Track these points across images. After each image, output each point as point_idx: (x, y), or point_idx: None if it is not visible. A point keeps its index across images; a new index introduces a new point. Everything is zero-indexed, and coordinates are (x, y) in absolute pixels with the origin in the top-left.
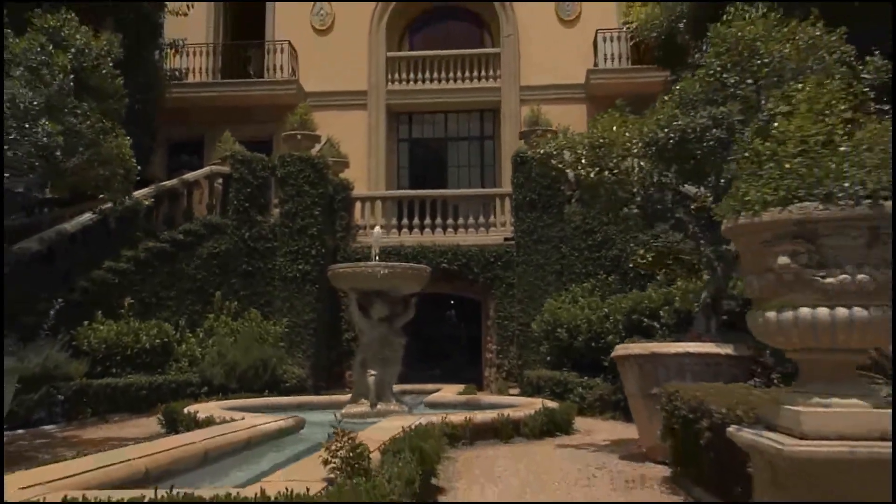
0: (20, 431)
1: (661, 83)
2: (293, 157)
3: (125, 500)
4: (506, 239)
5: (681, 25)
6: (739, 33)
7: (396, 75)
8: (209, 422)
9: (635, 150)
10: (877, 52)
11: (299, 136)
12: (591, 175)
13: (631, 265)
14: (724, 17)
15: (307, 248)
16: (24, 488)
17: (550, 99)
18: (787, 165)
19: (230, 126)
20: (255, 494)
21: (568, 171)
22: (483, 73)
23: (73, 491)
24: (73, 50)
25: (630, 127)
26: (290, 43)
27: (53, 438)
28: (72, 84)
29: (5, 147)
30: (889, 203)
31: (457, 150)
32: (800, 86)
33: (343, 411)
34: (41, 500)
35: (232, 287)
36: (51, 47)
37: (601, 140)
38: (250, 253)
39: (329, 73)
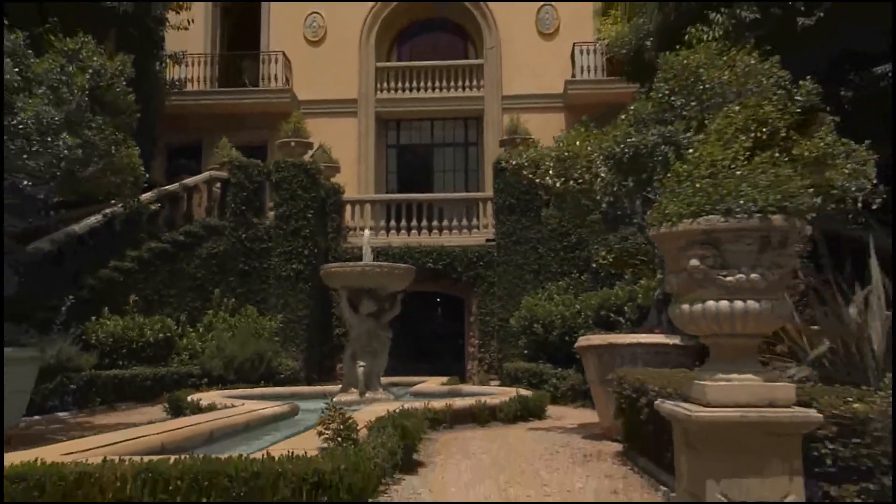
0: (36, 417)
1: (632, 94)
2: (287, 163)
3: (154, 460)
4: (487, 240)
5: (648, 43)
6: (685, 61)
7: (385, 84)
8: (211, 408)
9: (597, 163)
10: (808, 77)
11: (293, 143)
12: (558, 185)
13: (593, 265)
14: (686, 36)
15: (300, 249)
16: (64, 454)
17: (531, 108)
18: (698, 185)
19: (226, 132)
20: (262, 455)
21: (537, 180)
22: (467, 82)
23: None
24: (90, 70)
25: (592, 141)
26: (284, 54)
27: (67, 424)
28: (86, 100)
29: (28, 158)
30: (777, 216)
31: (442, 156)
32: (724, 111)
33: (334, 399)
34: (84, 460)
35: (230, 285)
36: (70, 68)
37: (566, 153)
38: (247, 253)
39: (321, 83)
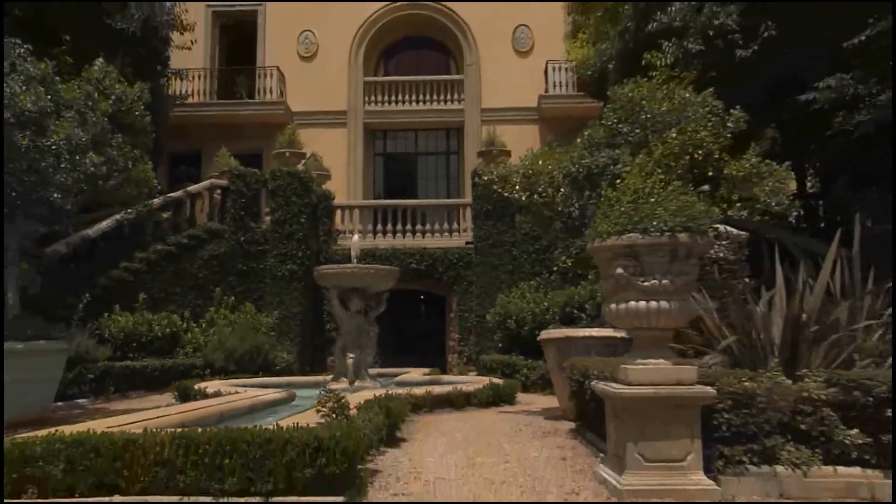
0: (59, 403)
1: (599, 109)
2: (283, 171)
3: (185, 430)
4: (467, 243)
5: (610, 66)
6: (630, 94)
7: (373, 97)
8: (217, 395)
9: (558, 179)
10: (737, 107)
11: (288, 154)
12: (524, 198)
13: (555, 268)
14: (643, 62)
15: (294, 251)
16: (108, 427)
17: (507, 120)
18: (623, 209)
19: (224, 141)
20: (272, 426)
21: (506, 194)
22: (448, 96)
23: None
24: (113, 97)
25: (553, 160)
26: (278, 68)
27: (87, 409)
28: (106, 121)
29: (59, 174)
30: (683, 234)
31: (425, 164)
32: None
33: (326, 387)
34: (126, 430)
35: (229, 284)
36: (95, 94)
37: (531, 171)
38: (245, 255)
39: (313, 95)
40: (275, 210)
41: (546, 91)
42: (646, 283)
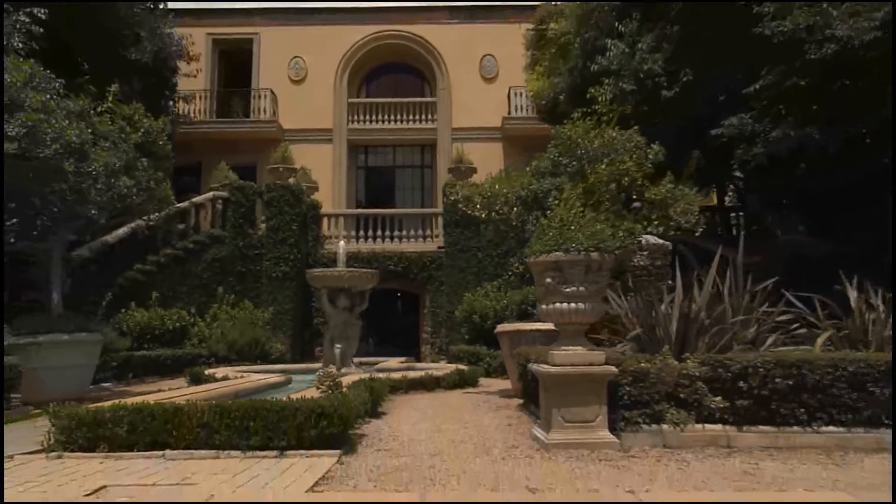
0: (90, 387)
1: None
2: (277, 185)
3: (214, 402)
4: (438, 247)
5: (561, 97)
6: (568, 133)
7: (356, 117)
8: (225, 378)
9: (511, 201)
10: (656, 142)
11: (281, 169)
12: (483, 216)
13: (510, 273)
14: (587, 95)
15: (287, 254)
16: (157, 400)
17: (475, 138)
18: (551, 234)
19: (222, 155)
20: (285, 398)
21: (469, 212)
22: (423, 116)
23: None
24: (141, 130)
25: (508, 185)
26: (271, 90)
27: (113, 391)
28: (134, 149)
29: (97, 195)
30: (594, 253)
31: (402, 177)
32: (602, 165)
33: (318, 373)
34: (172, 402)
35: (230, 284)
36: (127, 128)
37: (489, 193)
38: (243, 258)
39: (302, 115)
40: (269, 218)
41: (509, 113)
42: (567, 290)
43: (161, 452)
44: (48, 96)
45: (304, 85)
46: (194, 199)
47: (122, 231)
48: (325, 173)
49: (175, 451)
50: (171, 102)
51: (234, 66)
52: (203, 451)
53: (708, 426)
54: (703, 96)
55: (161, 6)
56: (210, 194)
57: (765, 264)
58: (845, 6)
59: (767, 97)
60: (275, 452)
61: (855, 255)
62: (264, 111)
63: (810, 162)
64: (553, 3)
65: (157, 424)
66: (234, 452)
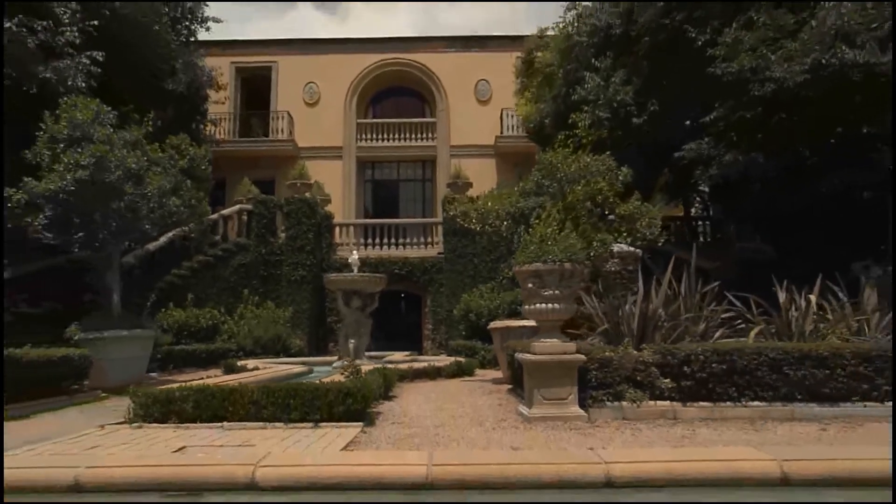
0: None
1: (539, 151)
2: (295, 198)
3: (262, 385)
4: (438, 253)
5: (546, 121)
6: (550, 158)
7: (363, 135)
8: (255, 369)
9: (502, 216)
10: (625, 165)
11: (298, 184)
12: (478, 228)
13: (501, 278)
14: (569, 120)
15: (304, 260)
16: (215, 383)
17: (471, 155)
18: (533, 247)
19: (245, 171)
20: (318, 381)
21: (466, 225)
22: (424, 135)
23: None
24: (187, 157)
25: (498, 202)
26: (288, 112)
27: (159, 380)
28: (181, 174)
29: (152, 213)
30: (567, 263)
31: (406, 190)
32: (578, 187)
33: (333, 365)
34: (227, 384)
35: (254, 286)
36: (175, 155)
37: (483, 210)
38: (266, 263)
39: (315, 134)
40: (289, 228)
41: (501, 133)
42: (545, 293)
43: (220, 424)
44: (111, 129)
45: (317, 107)
46: (223, 212)
47: (161, 240)
48: (336, 187)
49: (231, 423)
50: (201, 126)
51: (255, 90)
52: (253, 423)
53: (659, 402)
54: (668, 124)
55: (192, 39)
56: (236, 207)
57: (723, 269)
58: (781, 52)
59: (720, 127)
60: (310, 424)
61: (797, 262)
62: (281, 131)
63: (760, 183)
64: (539, 36)
65: (217, 402)
66: (277, 424)
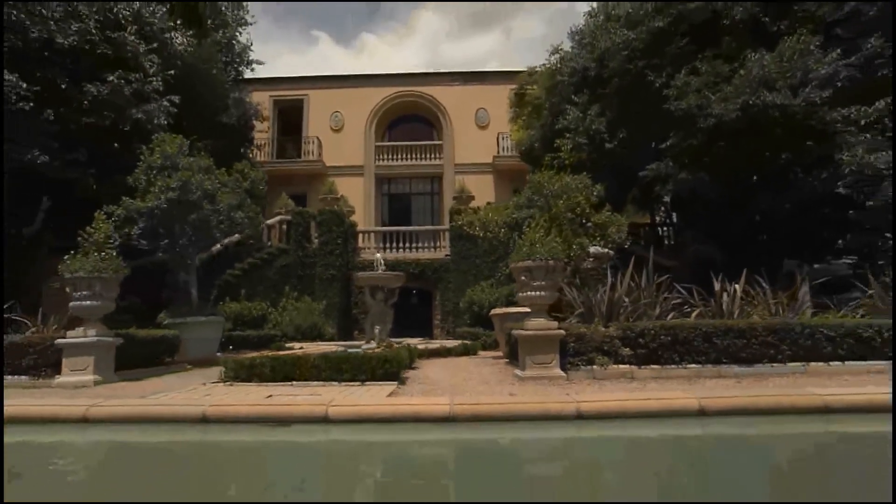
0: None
1: (529, 170)
2: (326, 210)
3: (321, 353)
4: (446, 255)
5: (536, 144)
6: (538, 179)
7: (381, 156)
8: (301, 349)
9: (500, 224)
10: (599, 183)
11: (329, 198)
12: (481, 234)
13: (500, 274)
14: (555, 143)
15: (334, 262)
16: (285, 353)
17: (472, 172)
18: (525, 248)
19: (281, 186)
20: (362, 352)
21: (471, 232)
22: (432, 155)
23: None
24: (249, 179)
25: (497, 213)
26: (317, 137)
27: (224, 357)
28: (244, 192)
29: (222, 225)
30: (551, 260)
31: (417, 202)
32: (560, 201)
33: (363, 347)
34: (293, 353)
35: (293, 284)
36: (240, 178)
37: (485, 220)
38: (302, 265)
39: (340, 155)
40: (321, 235)
41: (498, 153)
42: (535, 284)
43: (290, 382)
44: (192, 158)
45: (341, 133)
46: (267, 222)
47: (218, 246)
48: (358, 200)
49: (299, 382)
50: (248, 151)
51: (289, 119)
52: (315, 382)
53: (620, 366)
54: (635, 148)
55: (240, 78)
56: (277, 218)
57: (681, 267)
58: (719, 94)
59: (675, 151)
60: (358, 383)
61: (740, 261)
62: (312, 153)
63: (707, 198)
64: (529, 74)
65: (288, 366)
66: (333, 383)
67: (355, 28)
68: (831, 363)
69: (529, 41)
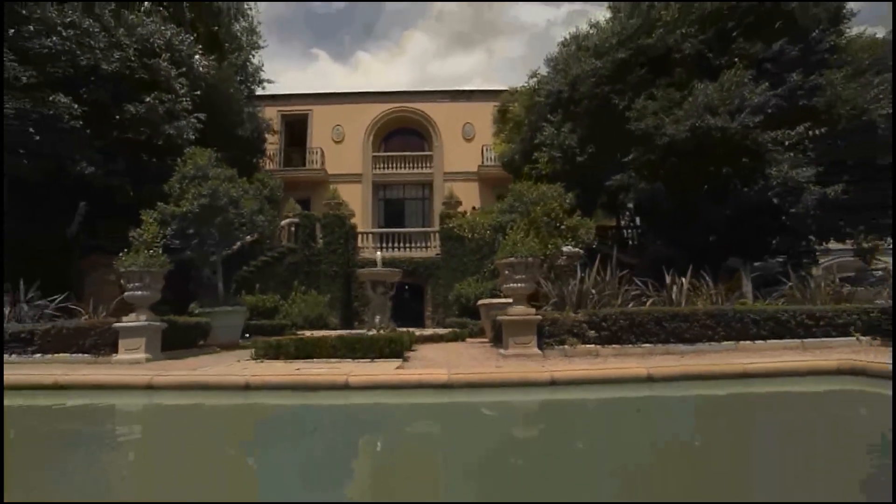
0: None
1: (511, 179)
2: (330, 214)
3: (336, 335)
4: (436, 254)
5: (516, 157)
6: (518, 188)
7: (377, 165)
8: (311, 336)
9: (487, 227)
10: (572, 192)
11: (332, 203)
12: (469, 236)
13: (485, 270)
14: (533, 155)
15: (336, 260)
16: (307, 335)
17: (459, 179)
18: (508, 248)
19: (288, 192)
20: (371, 334)
21: (460, 234)
22: (423, 164)
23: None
24: (268, 187)
25: (483, 218)
26: (320, 148)
27: (245, 342)
28: (264, 198)
29: (243, 226)
30: (529, 258)
31: (410, 206)
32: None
33: (369, 333)
34: (312, 336)
35: (301, 279)
36: (260, 186)
37: (472, 224)
38: (308, 262)
39: (341, 164)
40: (325, 236)
41: (482, 163)
42: (516, 277)
43: (311, 360)
44: (219, 169)
45: (342, 144)
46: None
47: (236, 246)
48: (356, 204)
49: (319, 359)
50: (260, 161)
51: (295, 131)
52: (333, 359)
53: (588, 346)
54: (602, 161)
55: (253, 95)
56: (287, 220)
57: (642, 264)
58: (672, 116)
59: (636, 164)
60: (368, 360)
61: (693, 259)
62: (315, 162)
63: (662, 206)
64: (511, 93)
65: (309, 346)
66: (347, 360)
67: (351, 47)
68: (756, 342)
69: (510, 61)
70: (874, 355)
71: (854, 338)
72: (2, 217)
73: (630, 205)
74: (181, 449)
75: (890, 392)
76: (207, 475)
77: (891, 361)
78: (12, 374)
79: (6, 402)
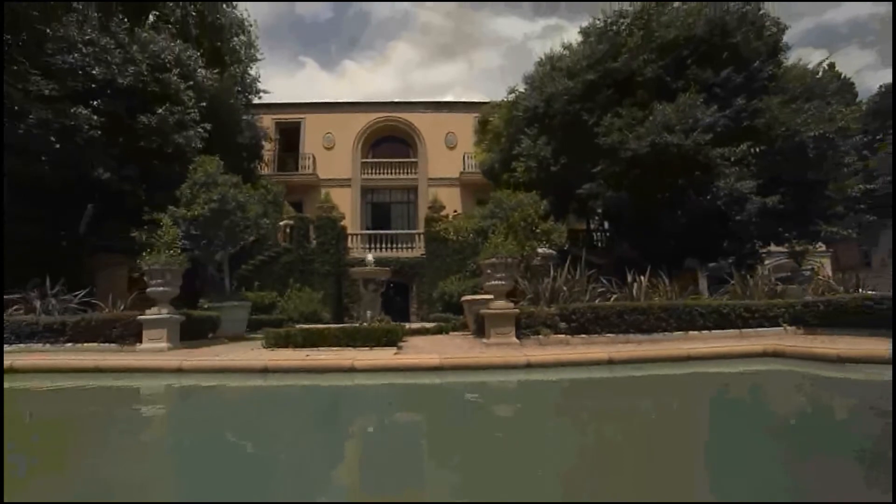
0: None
1: (491, 186)
2: (323, 216)
3: (339, 327)
4: (421, 254)
5: (496, 165)
6: (498, 195)
7: (366, 170)
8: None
9: (470, 230)
10: (546, 199)
11: (325, 206)
12: (453, 238)
13: (467, 270)
14: (512, 164)
15: (328, 259)
16: (311, 328)
17: (442, 185)
18: (490, 249)
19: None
20: (368, 326)
21: (445, 236)
22: (409, 170)
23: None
24: (273, 193)
25: (466, 222)
26: (312, 154)
27: (246, 337)
28: (268, 203)
29: (248, 229)
30: (508, 258)
31: (396, 209)
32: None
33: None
34: (317, 328)
35: (296, 277)
36: (265, 191)
37: (457, 227)
38: (303, 261)
39: (331, 169)
40: (318, 237)
41: (464, 170)
42: (497, 275)
43: (317, 348)
44: (226, 176)
45: (333, 150)
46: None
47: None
48: (346, 207)
49: (324, 347)
50: (258, 166)
51: (289, 138)
52: (336, 347)
53: (559, 335)
54: (574, 172)
55: (250, 104)
56: (284, 222)
57: (609, 265)
58: (634, 133)
59: (604, 175)
60: (367, 348)
61: (653, 259)
62: (308, 167)
63: (627, 213)
64: (491, 106)
65: (315, 336)
66: (349, 348)
67: (338, 55)
68: (703, 332)
69: (488, 71)
70: (794, 341)
71: (783, 328)
72: (2, 217)
73: (599, 211)
74: (253, 422)
75: (798, 368)
76: (283, 439)
77: (811, 346)
78: (53, 359)
79: (59, 382)
